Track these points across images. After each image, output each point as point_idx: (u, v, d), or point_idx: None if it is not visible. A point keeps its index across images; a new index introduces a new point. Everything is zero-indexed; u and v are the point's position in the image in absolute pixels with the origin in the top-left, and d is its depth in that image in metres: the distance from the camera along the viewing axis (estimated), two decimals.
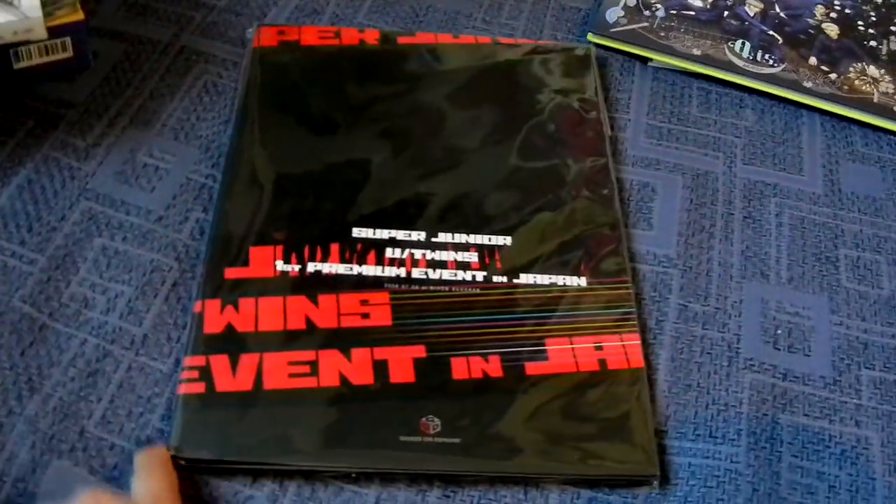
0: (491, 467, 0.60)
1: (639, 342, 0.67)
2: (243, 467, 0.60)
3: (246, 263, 0.68)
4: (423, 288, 0.67)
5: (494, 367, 0.64)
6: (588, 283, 0.69)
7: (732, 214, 0.77)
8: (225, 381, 0.62)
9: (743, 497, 0.62)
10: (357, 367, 0.63)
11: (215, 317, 0.65)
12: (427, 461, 0.60)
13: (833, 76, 0.84)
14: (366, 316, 0.66)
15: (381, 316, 0.66)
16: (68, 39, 0.78)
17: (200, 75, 0.82)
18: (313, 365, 0.63)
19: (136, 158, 0.75)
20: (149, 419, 0.62)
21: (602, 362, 0.65)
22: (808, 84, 0.84)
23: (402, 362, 0.63)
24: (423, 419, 0.61)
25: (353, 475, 0.60)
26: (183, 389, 0.62)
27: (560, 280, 0.69)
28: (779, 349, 0.69)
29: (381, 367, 0.63)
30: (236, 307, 0.65)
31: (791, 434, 0.65)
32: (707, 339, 0.69)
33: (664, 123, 0.83)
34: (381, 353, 0.64)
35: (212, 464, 0.60)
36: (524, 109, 0.80)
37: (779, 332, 0.70)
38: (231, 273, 0.67)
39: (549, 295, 0.68)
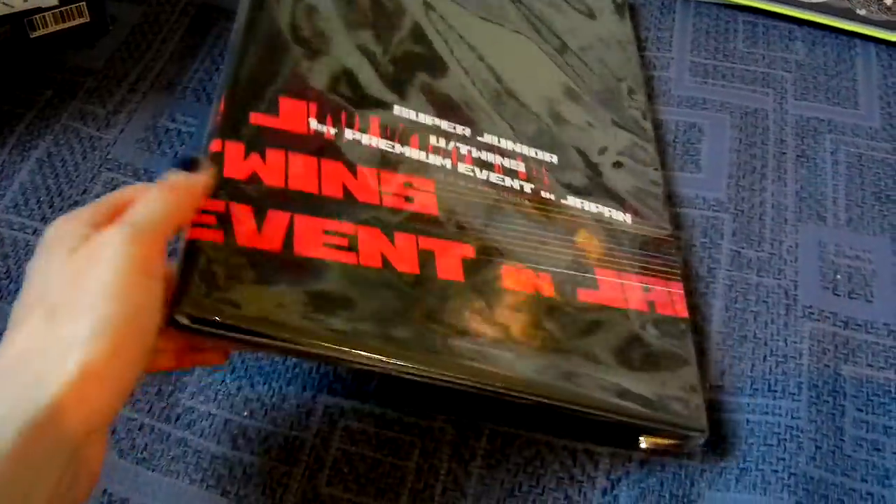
0: (546, 392, 0.56)
1: (682, 291, 0.63)
2: (270, 342, 0.52)
3: (275, 112, 0.61)
4: (471, 186, 0.63)
5: (546, 286, 0.60)
6: (633, 222, 0.66)
7: (785, 153, 0.73)
8: (248, 235, 0.55)
9: (805, 455, 0.59)
10: (401, 252, 0.58)
11: (238, 161, 0.57)
12: (476, 368, 0.55)
13: (888, 2, 0.80)
14: (409, 199, 0.61)
15: (426, 204, 0.61)
16: (84, 4, 0.76)
17: (221, 34, 0.80)
18: (352, 239, 0.57)
19: (158, 124, 0.74)
20: None
21: (651, 304, 0.62)
22: (862, 12, 0.80)
23: (450, 258, 0.59)
24: (474, 323, 0.57)
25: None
26: (194, 234, 0.53)
27: (607, 212, 0.66)
28: (839, 295, 0.66)
29: (427, 258, 0.59)
30: (263, 156, 0.58)
31: (854, 386, 0.62)
32: (762, 287, 0.66)
33: (709, 60, 0.79)
34: (426, 242, 0.59)
35: (228, 330, 0.51)
36: (562, 53, 0.76)
37: (838, 277, 0.67)
38: (257, 119, 0.60)
39: (597, 224, 0.65)
